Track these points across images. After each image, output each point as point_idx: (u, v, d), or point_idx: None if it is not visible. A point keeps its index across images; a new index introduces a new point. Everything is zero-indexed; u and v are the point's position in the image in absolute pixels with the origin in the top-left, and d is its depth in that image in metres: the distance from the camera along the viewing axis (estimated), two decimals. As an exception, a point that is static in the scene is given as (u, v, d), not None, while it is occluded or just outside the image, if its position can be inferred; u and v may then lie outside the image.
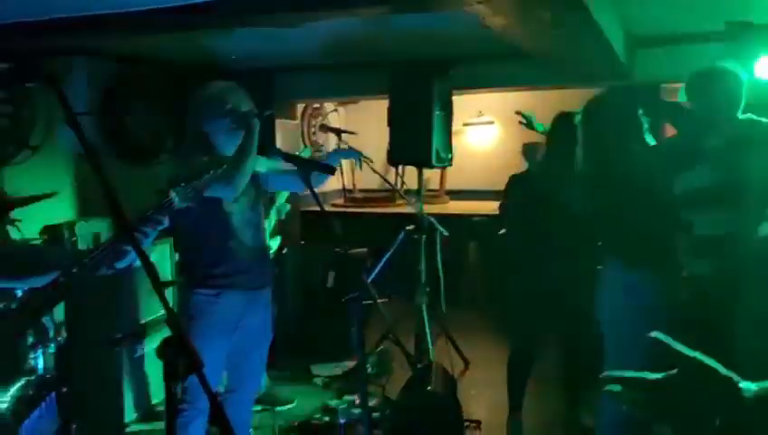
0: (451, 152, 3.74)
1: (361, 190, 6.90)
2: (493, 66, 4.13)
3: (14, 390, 2.27)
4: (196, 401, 2.33)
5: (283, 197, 3.45)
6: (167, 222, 1.62)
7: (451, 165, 3.70)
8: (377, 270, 2.99)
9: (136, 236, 1.52)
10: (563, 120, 3.15)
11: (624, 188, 2.34)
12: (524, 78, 4.14)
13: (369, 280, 2.17)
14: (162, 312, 3.53)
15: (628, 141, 2.31)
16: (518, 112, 3.66)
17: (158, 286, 1.60)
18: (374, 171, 3.61)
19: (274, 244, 3.37)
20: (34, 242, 3.06)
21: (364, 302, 2.20)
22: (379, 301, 2.11)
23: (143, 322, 3.40)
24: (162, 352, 1.26)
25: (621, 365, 2.34)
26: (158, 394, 3.48)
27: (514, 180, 3.43)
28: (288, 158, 2.27)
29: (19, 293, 2.11)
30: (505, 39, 2.88)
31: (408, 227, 3.02)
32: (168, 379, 1.27)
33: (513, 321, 3.45)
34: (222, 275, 2.36)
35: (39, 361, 2.63)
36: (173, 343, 1.26)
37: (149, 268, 1.31)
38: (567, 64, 3.23)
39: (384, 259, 3.07)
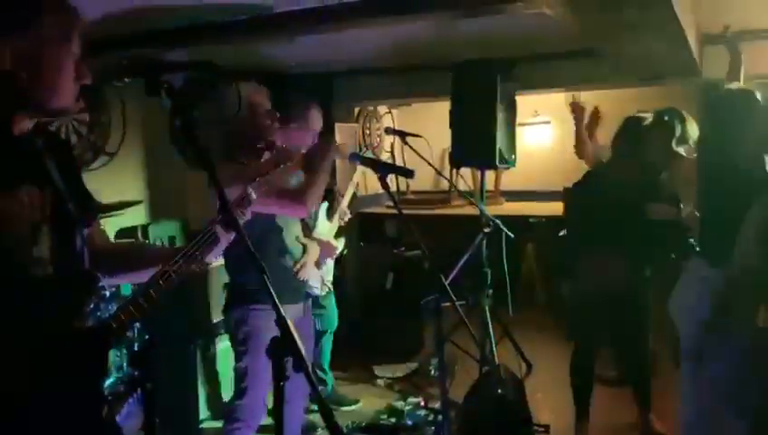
0: (515, 153, 3.71)
1: (414, 192, 6.90)
2: (559, 66, 4.06)
3: (106, 385, 2.38)
4: (249, 419, 2.38)
5: (348, 195, 3.47)
6: (249, 214, 1.66)
7: (515, 166, 3.67)
8: (454, 272, 2.99)
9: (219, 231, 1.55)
10: (632, 123, 3.12)
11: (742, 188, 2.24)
12: (591, 77, 4.05)
13: (447, 282, 2.16)
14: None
15: (751, 142, 2.21)
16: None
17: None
18: (438, 172, 3.61)
19: (340, 245, 3.42)
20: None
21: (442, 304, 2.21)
22: (457, 303, 2.10)
23: (215, 321, 3.49)
24: (272, 351, 1.31)
25: (709, 365, 2.27)
26: (229, 392, 3.57)
27: (575, 189, 3.40)
28: (367, 162, 2.30)
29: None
30: (576, 39, 2.85)
31: (485, 230, 3.00)
32: (276, 377, 1.32)
33: (572, 324, 3.41)
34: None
35: (125, 358, 2.75)
36: (282, 343, 1.31)
37: (254, 260, 1.34)
38: (637, 63, 3.16)
39: (462, 262, 3.06)
